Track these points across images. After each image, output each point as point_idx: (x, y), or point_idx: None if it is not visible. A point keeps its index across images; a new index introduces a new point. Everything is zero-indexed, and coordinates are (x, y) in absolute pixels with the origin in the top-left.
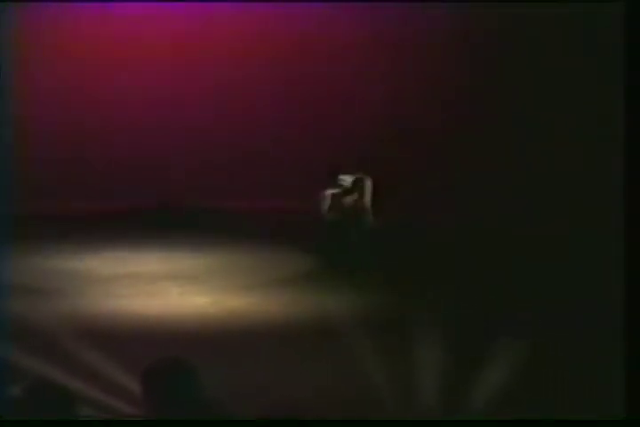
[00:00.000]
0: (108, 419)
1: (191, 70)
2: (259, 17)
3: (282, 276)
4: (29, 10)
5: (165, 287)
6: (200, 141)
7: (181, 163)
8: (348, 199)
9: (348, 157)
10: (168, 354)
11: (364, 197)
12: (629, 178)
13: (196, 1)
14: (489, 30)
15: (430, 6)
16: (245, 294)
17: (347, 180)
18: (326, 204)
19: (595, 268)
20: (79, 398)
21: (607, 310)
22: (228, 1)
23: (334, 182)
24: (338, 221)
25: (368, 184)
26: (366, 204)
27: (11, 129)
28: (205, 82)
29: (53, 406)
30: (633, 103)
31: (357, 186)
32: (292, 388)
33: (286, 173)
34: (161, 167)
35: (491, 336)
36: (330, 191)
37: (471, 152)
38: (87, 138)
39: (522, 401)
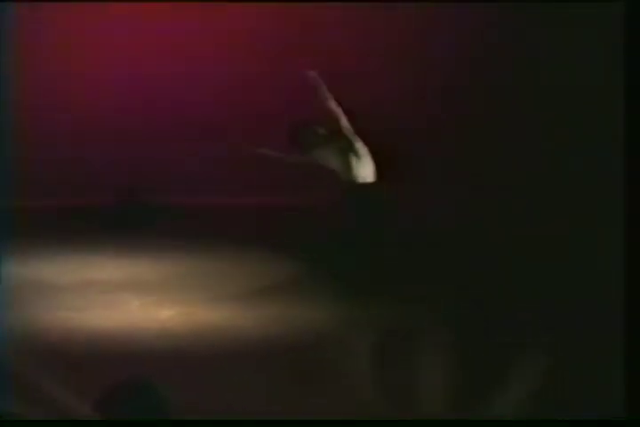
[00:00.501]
0: (108, 419)
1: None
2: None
3: (260, 285)
4: (29, 10)
5: (124, 298)
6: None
7: (143, 152)
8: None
9: None
10: (126, 375)
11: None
12: (629, 178)
13: (196, 1)
14: (488, 30)
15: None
16: (217, 307)
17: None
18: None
19: (595, 268)
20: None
21: (607, 310)
22: (230, 1)
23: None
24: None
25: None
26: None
27: None
28: (194, 78)
29: None
30: (633, 103)
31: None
32: (269, 412)
33: (267, 164)
34: (119, 158)
35: (489, 337)
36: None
37: (471, 152)
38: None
39: (522, 401)
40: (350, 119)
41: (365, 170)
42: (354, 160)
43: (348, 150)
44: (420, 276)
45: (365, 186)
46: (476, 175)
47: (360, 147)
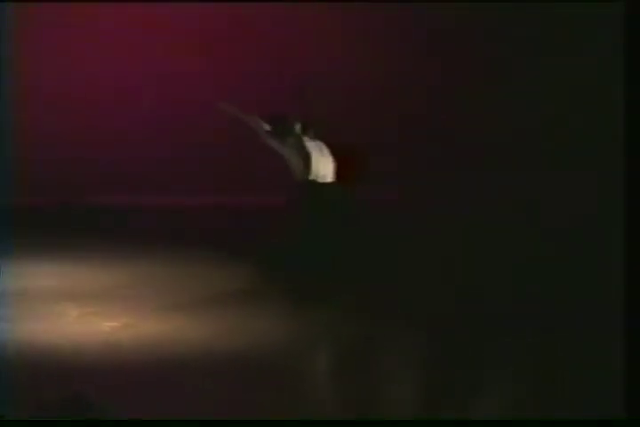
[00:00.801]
0: (108, 419)
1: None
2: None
3: (210, 294)
4: (29, 10)
5: (62, 308)
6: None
7: (87, 152)
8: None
9: None
10: (65, 391)
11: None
12: (629, 178)
13: (197, 2)
14: (488, 30)
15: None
16: (165, 317)
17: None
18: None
19: (595, 268)
20: None
21: (607, 310)
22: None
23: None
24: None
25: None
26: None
27: None
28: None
29: None
30: (633, 103)
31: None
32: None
33: (219, 162)
34: (62, 158)
35: (489, 337)
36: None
37: (470, 152)
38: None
39: (521, 401)
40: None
41: (326, 169)
42: (315, 159)
43: (310, 149)
44: (383, 281)
45: (324, 186)
46: (475, 175)
47: (322, 146)
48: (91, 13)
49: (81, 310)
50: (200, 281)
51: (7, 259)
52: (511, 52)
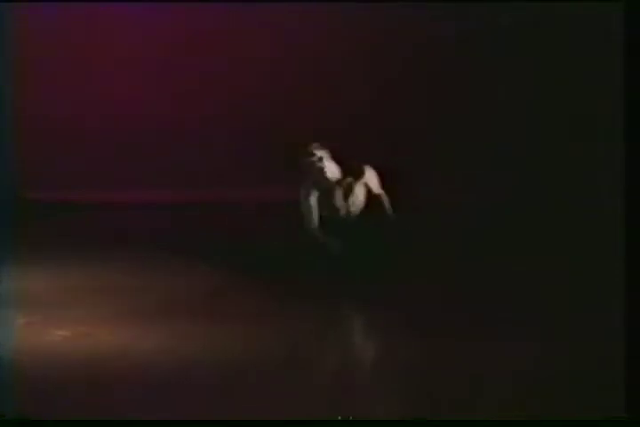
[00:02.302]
0: (108, 419)
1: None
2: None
3: (170, 299)
4: (29, 10)
5: (7, 316)
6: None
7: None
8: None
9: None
10: (12, 406)
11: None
12: (629, 178)
13: (198, 2)
14: (488, 30)
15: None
16: (121, 325)
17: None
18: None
19: (595, 268)
20: None
21: (607, 310)
22: (234, 1)
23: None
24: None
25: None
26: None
27: None
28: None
29: None
30: (633, 103)
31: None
32: None
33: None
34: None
35: (489, 336)
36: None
37: (470, 152)
38: None
39: (521, 401)
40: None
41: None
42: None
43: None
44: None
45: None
46: (474, 175)
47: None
48: (91, 13)
49: (28, 317)
50: (161, 285)
51: None
52: (510, 53)
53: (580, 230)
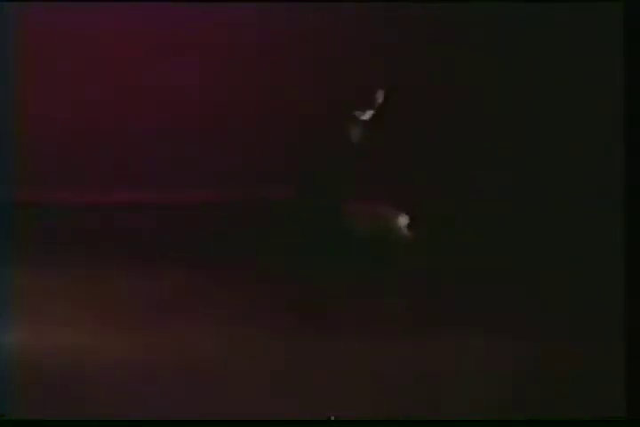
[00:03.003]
0: (108, 419)
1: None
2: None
3: (134, 303)
4: (29, 9)
5: (4, 316)
6: None
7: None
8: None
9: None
10: (12, 406)
11: None
12: (629, 178)
13: (196, 1)
14: (488, 30)
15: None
16: (77, 331)
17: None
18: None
19: (595, 268)
20: None
21: (607, 310)
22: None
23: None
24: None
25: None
26: None
27: None
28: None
29: None
30: (633, 103)
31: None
32: None
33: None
34: None
35: (489, 336)
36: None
37: (470, 152)
38: None
39: (521, 401)
40: None
41: None
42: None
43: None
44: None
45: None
46: (474, 175)
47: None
48: (91, 13)
49: (25, 318)
50: (124, 286)
51: None
52: (510, 52)
53: (579, 230)
